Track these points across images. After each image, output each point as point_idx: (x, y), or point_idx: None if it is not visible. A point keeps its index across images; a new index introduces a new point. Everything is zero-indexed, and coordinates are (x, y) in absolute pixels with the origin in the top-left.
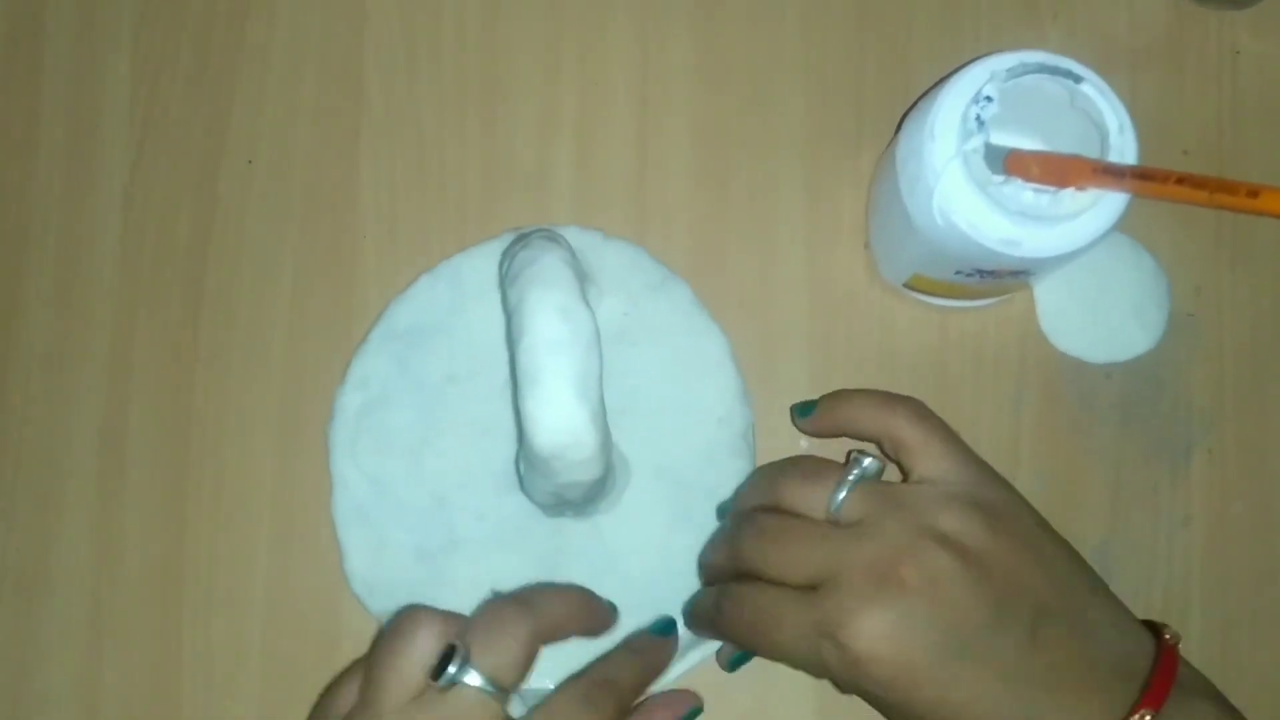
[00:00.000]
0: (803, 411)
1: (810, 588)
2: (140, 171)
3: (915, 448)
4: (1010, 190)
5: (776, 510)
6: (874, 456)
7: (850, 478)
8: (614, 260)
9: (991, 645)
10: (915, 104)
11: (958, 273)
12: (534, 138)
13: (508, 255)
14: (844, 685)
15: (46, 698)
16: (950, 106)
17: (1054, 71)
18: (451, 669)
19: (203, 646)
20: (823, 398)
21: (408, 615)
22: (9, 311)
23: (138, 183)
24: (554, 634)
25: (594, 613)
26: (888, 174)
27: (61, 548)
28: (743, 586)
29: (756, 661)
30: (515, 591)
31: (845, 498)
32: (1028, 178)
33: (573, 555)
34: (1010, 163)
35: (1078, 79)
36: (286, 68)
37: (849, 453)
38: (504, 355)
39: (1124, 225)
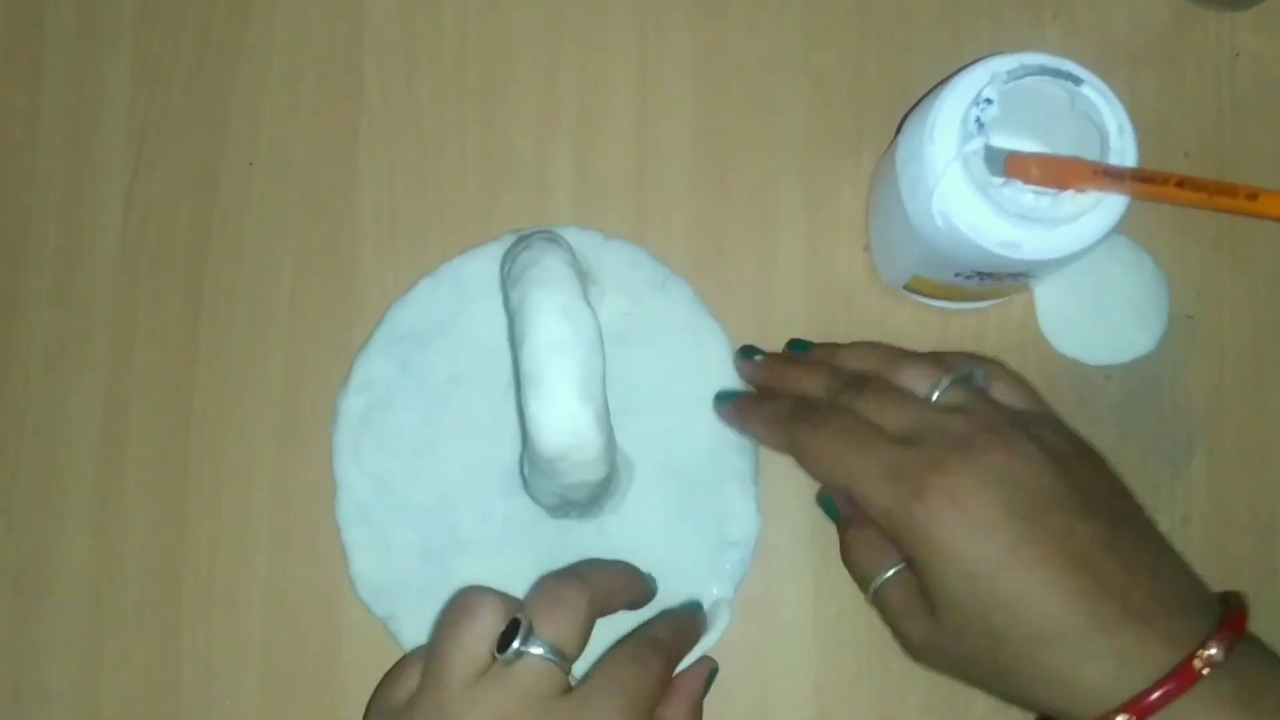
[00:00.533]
0: (797, 348)
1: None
2: (140, 171)
3: (1000, 381)
4: (1010, 192)
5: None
6: (983, 370)
7: (961, 374)
8: (614, 260)
9: (1071, 526)
10: (915, 106)
11: (957, 275)
12: (534, 138)
13: (509, 257)
14: (904, 536)
15: (46, 697)
16: (950, 108)
17: (1054, 73)
18: (517, 643)
19: (202, 646)
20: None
21: (469, 594)
22: (9, 311)
23: (138, 183)
24: (607, 604)
25: (638, 584)
26: (887, 176)
27: (61, 547)
28: (834, 408)
29: (755, 660)
30: (568, 567)
31: (947, 390)
32: (1028, 180)
33: (577, 554)
34: (1010, 165)
35: (1078, 81)
36: (286, 68)
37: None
38: (506, 355)
39: (1124, 227)
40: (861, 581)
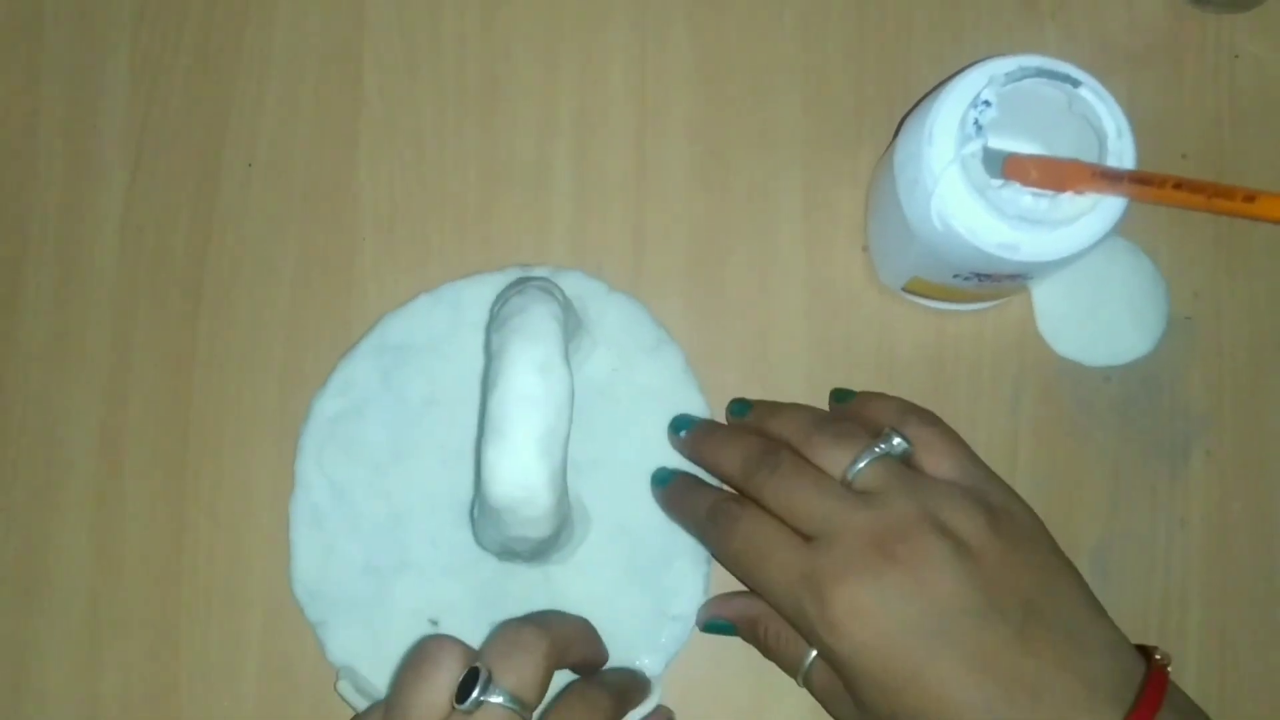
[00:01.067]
0: (840, 398)
1: (806, 538)
2: (139, 172)
3: (928, 447)
4: (1008, 194)
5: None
6: (904, 438)
7: (877, 449)
8: (613, 314)
9: (977, 634)
10: (913, 107)
11: (956, 276)
12: (534, 138)
13: (501, 298)
14: (814, 642)
15: (45, 697)
16: (948, 111)
17: (1052, 76)
18: (476, 692)
19: (201, 646)
20: (857, 395)
21: (430, 643)
22: (8, 311)
23: (137, 183)
24: (565, 655)
25: (595, 642)
26: (886, 178)
27: (60, 548)
28: (744, 508)
29: (755, 661)
30: (527, 615)
31: (865, 466)
32: (1026, 182)
33: (518, 599)
34: (1008, 167)
35: (1076, 83)
36: (286, 68)
37: (883, 429)
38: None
39: (1122, 229)
40: (787, 669)
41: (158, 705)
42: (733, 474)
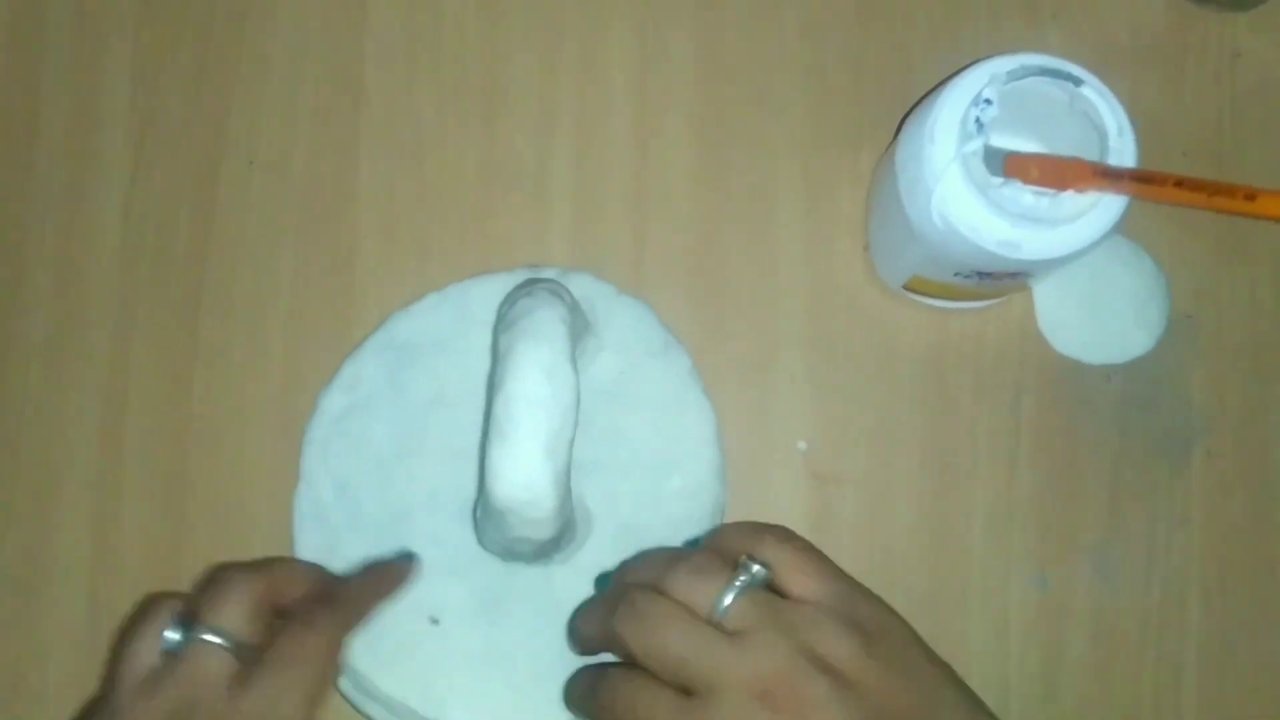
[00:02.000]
0: (693, 543)
1: (686, 692)
2: (140, 171)
3: (788, 567)
4: (1010, 193)
5: (659, 594)
6: (763, 564)
7: (739, 582)
8: (621, 317)
9: None
10: (915, 106)
11: (957, 275)
12: (534, 137)
13: (510, 299)
14: None
15: (44, 695)
16: (950, 109)
17: (1054, 74)
18: (175, 634)
19: None
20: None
21: (147, 600)
22: (9, 310)
23: (138, 182)
24: (285, 591)
25: (327, 581)
26: (887, 176)
27: (60, 546)
28: (619, 678)
29: None
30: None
31: (731, 604)
32: (1027, 180)
33: (518, 597)
34: (1010, 165)
35: (1077, 81)
36: (286, 68)
37: (739, 558)
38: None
39: (1123, 227)
40: None
41: None
42: (600, 636)
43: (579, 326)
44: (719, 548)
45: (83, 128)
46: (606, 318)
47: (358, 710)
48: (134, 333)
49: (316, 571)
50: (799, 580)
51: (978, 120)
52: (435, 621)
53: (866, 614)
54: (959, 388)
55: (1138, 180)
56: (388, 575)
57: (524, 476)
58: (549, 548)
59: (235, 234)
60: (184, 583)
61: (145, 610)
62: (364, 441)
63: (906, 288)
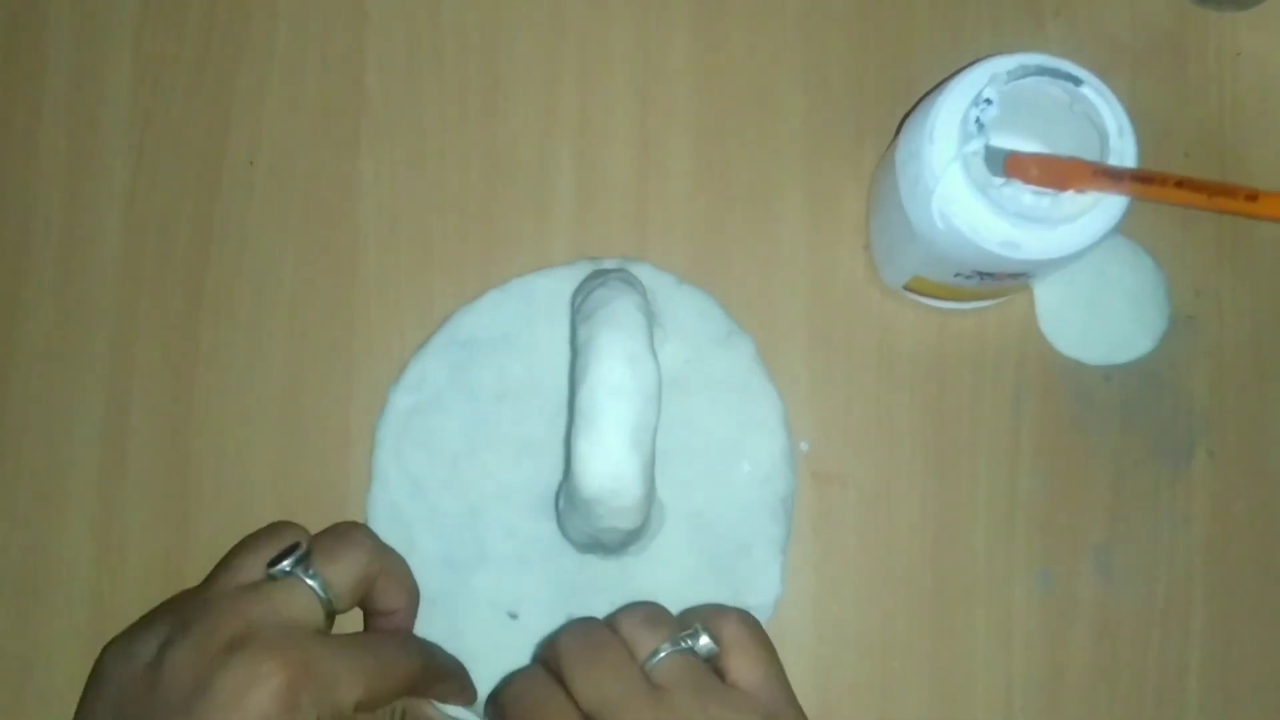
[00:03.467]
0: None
1: (587, 716)
2: (141, 171)
3: (739, 650)
4: (1010, 193)
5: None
6: (713, 639)
7: (681, 645)
8: (684, 306)
9: None
10: (915, 106)
11: (957, 275)
12: (534, 138)
13: (582, 290)
14: None
15: (48, 697)
16: (950, 109)
17: (1054, 74)
18: (286, 563)
19: None
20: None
21: (276, 523)
22: (10, 311)
23: (138, 182)
24: (385, 573)
25: (409, 592)
26: (887, 176)
27: (62, 547)
28: (541, 677)
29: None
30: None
31: (663, 659)
32: (1027, 180)
33: (594, 589)
34: (1010, 165)
35: (1078, 81)
36: (287, 67)
37: (695, 625)
38: (558, 379)
39: (1124, 227)
40: None
41: None
42: (546, 646)
43: (650, 315)
44: (685, 616)
45: (83, 128)
46: (670, 307)
47: (440, 712)
48: (135, 333)
49: (415, 597)
50: (743, 664)
51: (978, 120)
52: (514, 616)
53: None
54: (960, 388)
55: (1138, 180)
56: (466, 685)
57: (612, 466)
58: (633, 538)
59: (236, 234)
60: (188, 582)
61: (274, 527)
62: (434, 439)
63: (907, 288)
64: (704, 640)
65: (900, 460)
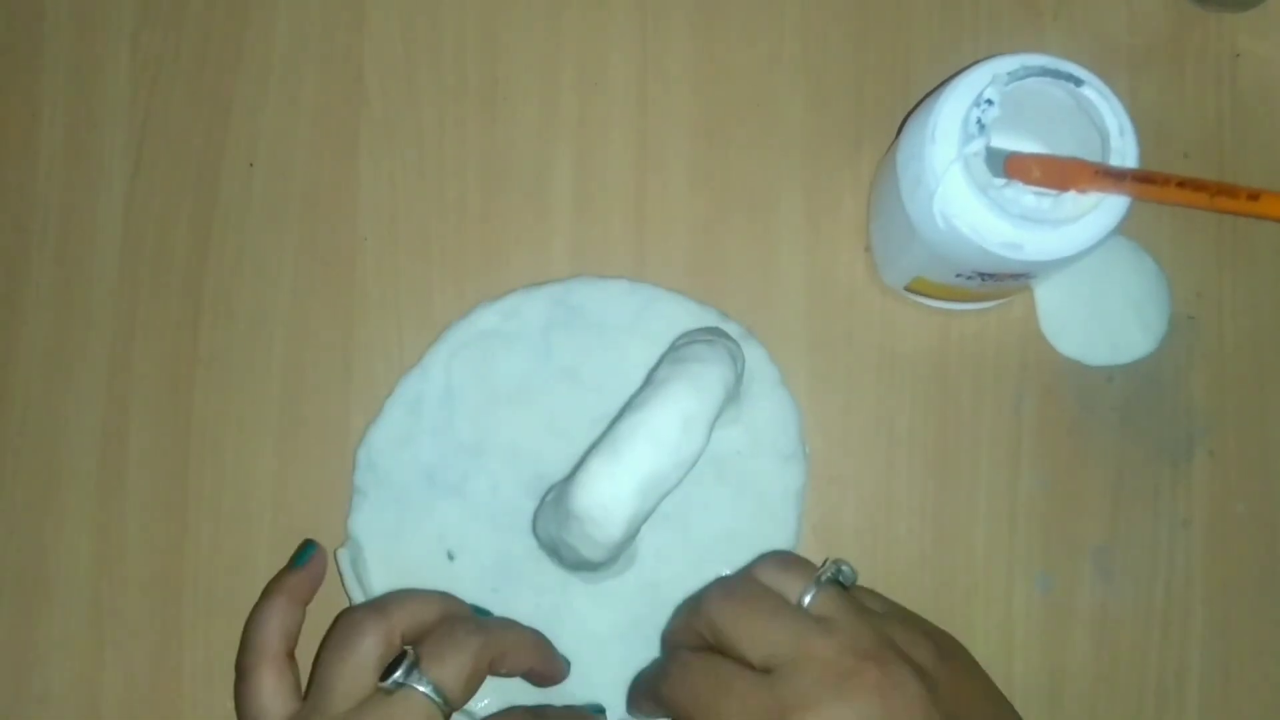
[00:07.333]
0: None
1: (765, 670)
2: (140, 172)
3: (859, 589)
4: (1011, 193)
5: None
6: (850, 565)
7: (825, 577)
8: (769, 405)
9: None
10: (916, 107)
11: (958, 276)
12: (534, 138)
13: (689, 336)
14: None
15: (47, 698)
16: (951, 110)
17: (1055, 74)
18: (399, 674)
19: (203, 648)
20: None
21: (354, 615)
22: (9, 312)
23: (138, 183)
24: (503, 662)
25: (545, 655)
26: (888, 177)
27: (62, 549)
28: (695, 654)
29: None
30: (474, 616)
31: (818, 593)
32: (1029, 181)
33: (530, 584)
34: (1011, 166)
35: (1079, 82)
36: (286, 68)
37: (825, 560)
38: (626, 390)
39: (1125, 228)
40: None
41: (158, 707)
42: (687, 624)
43: (732, 395)
44: (753, 568)
45: (83, 128)
46: (756, 399)
47: (343, 582)
48: (135, 334)
49: (537, 641)
50: (865, 594)
51: (979, 121)
52: (452, 558)
53: (937, 633)
54: (961, 389)
55: (1139, 181)
56: None
57: (609, 497)
58: (586, 565)
59: (236, 235)
60: (186, 587)
61: (360, 625)
62: (490, 367)
63: (908, 289)
64: (845, 569)
65: (900, 461)
